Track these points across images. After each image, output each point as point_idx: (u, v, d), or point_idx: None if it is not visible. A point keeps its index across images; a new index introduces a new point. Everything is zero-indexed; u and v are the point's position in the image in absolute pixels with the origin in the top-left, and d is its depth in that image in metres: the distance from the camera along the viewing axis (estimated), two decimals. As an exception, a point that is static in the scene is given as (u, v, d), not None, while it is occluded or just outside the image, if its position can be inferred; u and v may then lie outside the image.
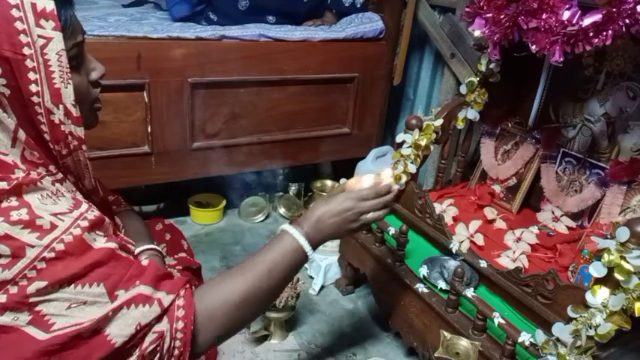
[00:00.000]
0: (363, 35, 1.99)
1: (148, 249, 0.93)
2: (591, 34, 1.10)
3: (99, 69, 0.76)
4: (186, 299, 0.71)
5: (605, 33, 1.08)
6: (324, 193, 2.15)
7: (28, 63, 0.62)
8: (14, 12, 0.60)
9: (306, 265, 1.82)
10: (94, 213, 0.68)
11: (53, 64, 0.64)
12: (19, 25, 0.61)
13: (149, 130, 1.70)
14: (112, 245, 0.66)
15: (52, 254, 0.60)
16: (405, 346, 1.48)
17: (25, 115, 0.65)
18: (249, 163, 1.98)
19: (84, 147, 0.72)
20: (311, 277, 1.78)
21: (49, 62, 0.63)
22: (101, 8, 1.94)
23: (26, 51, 0.61)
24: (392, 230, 1.40)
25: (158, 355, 0.68)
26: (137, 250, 0.90)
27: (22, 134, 0.64)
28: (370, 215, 0.94)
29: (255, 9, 1.84)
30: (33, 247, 0.59)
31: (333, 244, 1.77)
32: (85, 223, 0.64)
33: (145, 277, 0.67)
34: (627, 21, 1.04)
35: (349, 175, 1.07)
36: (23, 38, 0.61)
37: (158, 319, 0.68)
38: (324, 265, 1.74)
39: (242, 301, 0.76)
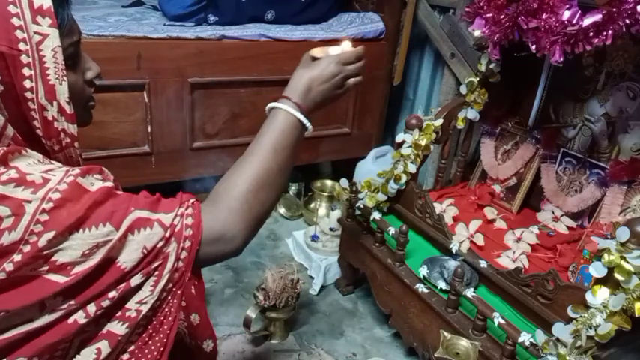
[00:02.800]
0: (363, 36, 1.99)
1: None
2: (591, 34, 1.10)
3: (94, 68, 0.77)
4: (194, 218, 0.70)
5: (605, 33, 1.08)
6: (324, 193, 2.14)
7: (24, 59, 0.62)
8: (11, 8, 0.61)
9: (306, 265, 1.83)
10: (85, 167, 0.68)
11: (48, 61, 0.64)
12: (15, 21, 0.61)
13: (149, 130, 1.70)
14: (109, 184, 0.67)
15: (51, 204, 0.60)
16: (405, 346, 1.48)
17: (18, 111, 0.65)
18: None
19: (76, 144, 0.73)
20: (311, 277, 1.78)
21: (44, 58, 0.64)
22: (101, 8, 1.93)
23: (22, 47, 0.62)
24: (392, 230, 1.40)
25: (165, 271, 0.68)
26: None
27: (10, 131, 0.65)
28: (352, 80, 0.93)
29: (255, 4, 1.84)
30: (30, 202, 0.59)
31: (333, 244, 1.77)
32: (77, 171, 0.65)
33: (136, 203, 0.68)
34: (627, 21, 1.04)
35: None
36: (19, 34, 0.62)
37: (165, 241, 0.68)
38: (324, 265, 1.74)
39: (255, 187, 0.76)
